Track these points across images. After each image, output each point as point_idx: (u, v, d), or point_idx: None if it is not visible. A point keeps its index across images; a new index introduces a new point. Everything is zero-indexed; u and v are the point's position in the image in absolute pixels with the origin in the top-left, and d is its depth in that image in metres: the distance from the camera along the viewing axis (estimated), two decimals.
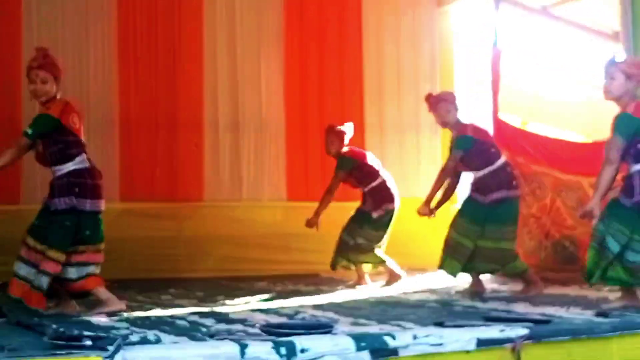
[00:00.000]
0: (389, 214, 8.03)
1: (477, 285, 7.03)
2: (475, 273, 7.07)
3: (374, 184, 8.07)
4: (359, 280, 8.01)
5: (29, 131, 5.60)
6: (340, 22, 10.27)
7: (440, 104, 7.07)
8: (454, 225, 7.05)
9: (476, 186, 7.03)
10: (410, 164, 10.29)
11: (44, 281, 5.49)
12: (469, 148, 6.94)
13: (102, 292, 5.76)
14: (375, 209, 8.00)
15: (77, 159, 5.69)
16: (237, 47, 9.89)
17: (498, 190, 6.87)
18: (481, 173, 6.96)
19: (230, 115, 9.85)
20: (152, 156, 9.51)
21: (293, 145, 9.99)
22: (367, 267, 8.18)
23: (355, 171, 8.11)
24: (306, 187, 9.81)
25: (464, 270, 7.02)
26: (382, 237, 8.04)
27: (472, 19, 10.76)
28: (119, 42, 9.45)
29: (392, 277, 8.00)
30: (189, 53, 9.70)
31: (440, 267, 7.12)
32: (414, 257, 9.45)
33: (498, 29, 8.82)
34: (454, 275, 7.06)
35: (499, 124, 8.67)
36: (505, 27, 9.05)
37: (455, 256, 6.94)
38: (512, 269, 7.05)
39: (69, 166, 5.65)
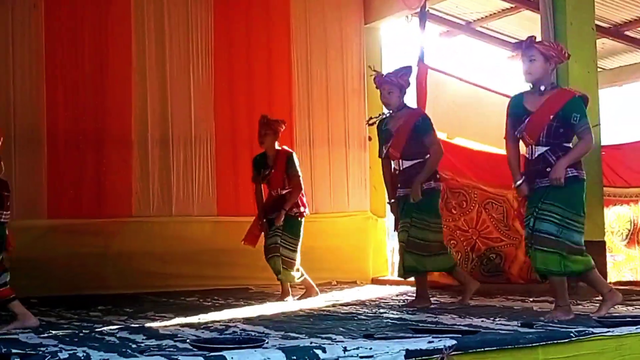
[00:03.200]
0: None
1: (421, 301, 7.00)
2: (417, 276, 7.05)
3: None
4: (284, 295, 7.99)
5: None
6: (268, 37, 10.36)
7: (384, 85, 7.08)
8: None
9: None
10: (339, 178, 10.41)
11: None
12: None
13: (17, 306, 5.70)
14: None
15: None
16: (167, 61, 9.88)
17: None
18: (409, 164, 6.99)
19: (160, 130, 9.81)
20: (80, 172, 9.41)
21: (223, 160, 10.00)
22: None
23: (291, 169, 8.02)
24: (236, 202, 9.81)
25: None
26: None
27: (399, 35, 10.94)
28: (46, 56, 9.34)
29: (309, 291, 8.02)
30: (117, 68, 9.65)
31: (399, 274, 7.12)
32: (341, 272, 9.57)
33: (424, 45, 8.95)
34: (403, 276, 7.07)
35: None
36: (431, 44, 9.20)
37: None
38: (441, 262, 7.07)
39: None
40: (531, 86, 5.76)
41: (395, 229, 7.15)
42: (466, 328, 4.85)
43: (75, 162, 9.39)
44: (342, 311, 6.70)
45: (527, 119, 5.68)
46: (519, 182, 5.75)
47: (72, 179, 9.36)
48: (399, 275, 7.16)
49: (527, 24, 10.70)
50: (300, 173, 8.03)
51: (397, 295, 8.23)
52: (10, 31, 9.25)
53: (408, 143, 6.89)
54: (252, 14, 10.29)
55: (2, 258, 5.71)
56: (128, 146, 9.66)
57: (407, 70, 7.09)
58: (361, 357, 3.98)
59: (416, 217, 6.85)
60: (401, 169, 6.94)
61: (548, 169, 5.58)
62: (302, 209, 7.98)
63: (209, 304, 7.73)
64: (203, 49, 10.06)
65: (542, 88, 5.69)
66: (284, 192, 7.95)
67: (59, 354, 4.01)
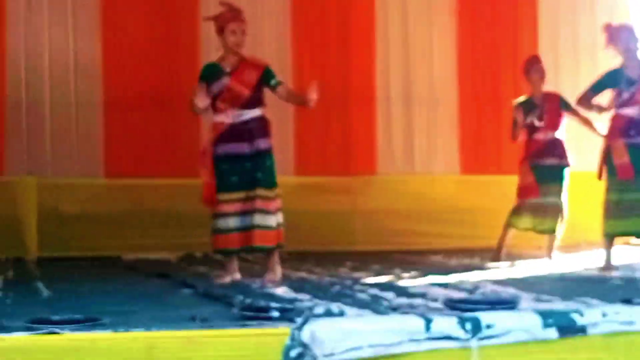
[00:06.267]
0: None
1: None
2: None
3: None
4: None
5: None
6: None
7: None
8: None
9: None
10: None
11: None
12: None
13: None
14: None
15: None
16: (409, 18, 9.85)
17: None
18: None
19: (403, 88, 9.83)
20: (326, 130, 9.60)
21: (466, 118, 9.90)
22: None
23: None
24: (479, 160, 9.69)
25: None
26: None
27: None
28: (292, 18, 9.53)
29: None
30: (360, 26, 9.74)
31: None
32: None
33: None
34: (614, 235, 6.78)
35: None
36: None
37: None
38: None
39: None
40: None
41: None
42: None
43: (322, 119, 9.58)
44: (595, 274, 6.46)
45: None
46: None
47: (318, 137, 9.57)
48: None
49: None
50: None
51: None
52: None
53: None
54: None
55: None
56: (371, 103, 9.75)
57: None
58: (621, 323, 3.82)
59: None
60: None
61: None
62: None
63: (455, 263, 7.69)
64: (446, 3, 9.95)
65: None
66: (553, 136, 7.57)
67: (314, 308, 4.10)
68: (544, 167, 7.57)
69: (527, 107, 7.60)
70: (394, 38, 9.85)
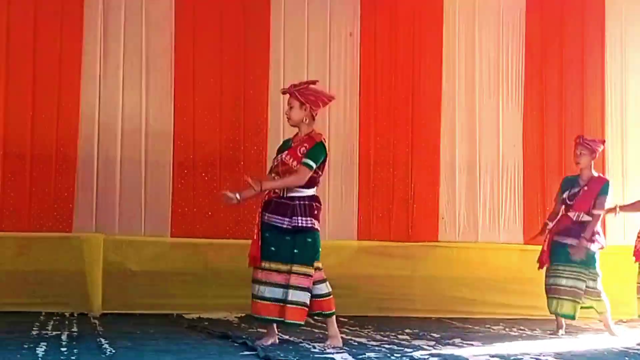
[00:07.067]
0: None
1: None
2: None
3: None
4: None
5: None
6: (582, 50, 10.07)
7: None
8: None
9: None
10: None
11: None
12: None
13: (332, 323, 6.07)
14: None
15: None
16: (476, 86, 9.91)
17: None
18: None
19: (467, 155, 9.86)
20: (390, 195, 9.64)
21: (531, 187, 9.89)
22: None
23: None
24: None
25: None
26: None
27: None
28: (361, 82, 9.67)
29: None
30: (427, 93, 9.81)
31: None
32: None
33: None
34: None
35: None
36: None
37: None
38: None
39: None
40: None
41: None
42: None
43: (386, 185, 9.64)
44: None
45: None
46: None
47: (382, 202, 9.61)
48: None
49: None
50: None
51: None
52: (328, 58, 9.65)
53: None
54: (565, 32, 10.08)
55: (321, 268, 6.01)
56: (435, 171, 9.78)
57: None
58: None
59: None
60: None
61: None
62: (600, 240, 7.65)
63: (516, 334, 7.63)
64: (513, 72, 10.00)
65: None
66: (583, 218, 7.65)
67: None
68: (562, 246, 7.63)
69: (569, 184, 7.80)
70: (460, 106, 9.89)
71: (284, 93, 6.23)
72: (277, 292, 5.86)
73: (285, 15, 9.56)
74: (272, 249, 5.90)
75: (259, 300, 5.91)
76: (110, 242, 8.71)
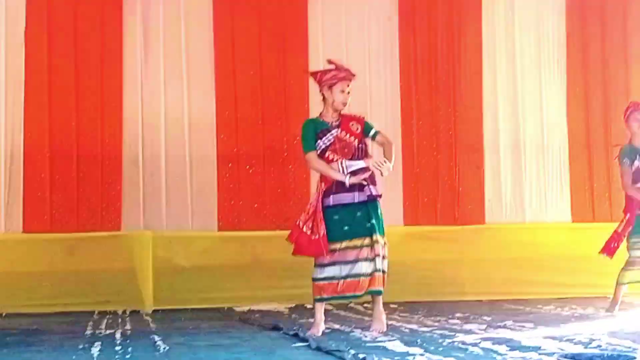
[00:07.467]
0: None
1: None
2: None
3: None
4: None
5: None
6: (624, 35, 9.95)
7: None
8: None
9: None
10: None
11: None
12: None
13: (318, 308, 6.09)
14: None
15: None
16: (517, 64, 9.83)
17: None
18: None
19: (512, 136, 9.80)
20: (433, 179, 9.62)
21: (577, 166, 9.80)
22: None
23: None
24: (591, 208, 9.58)
25: None
26: None
27: None
28: (401, 67, 9.66)
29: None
30: (468, 75, 9.77)
31: None
32: None
33: None
34: None
35: None
36: None
37: None
38: None
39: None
40: None
41: None
42: None
43: (431, 168, 9.62)
44: None
45: None
46: None
47: (427, 186, 9.58)
48: None
49: None
50: None
51: None
52: (366, 43, 9.63)
53: None
54: (607, 13, 9.96)
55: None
56: (479, 153, 9.73)
57: None
58: None
59: None
60: None
61: None
62: None
63: (568, 313, 7.57)
64: (555, 48, 9.92)
65: None
66: None
67: None
68: None
69: (633, 153, 7.50)
70: (502, 86, 9.84)
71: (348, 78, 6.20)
72: (361, 267, 5.94)
73: (323, 1, 9.56)
74: (345, 228, 5.99)
75: (332, 281, 5.96)
76: (159, 239, 8.79)
